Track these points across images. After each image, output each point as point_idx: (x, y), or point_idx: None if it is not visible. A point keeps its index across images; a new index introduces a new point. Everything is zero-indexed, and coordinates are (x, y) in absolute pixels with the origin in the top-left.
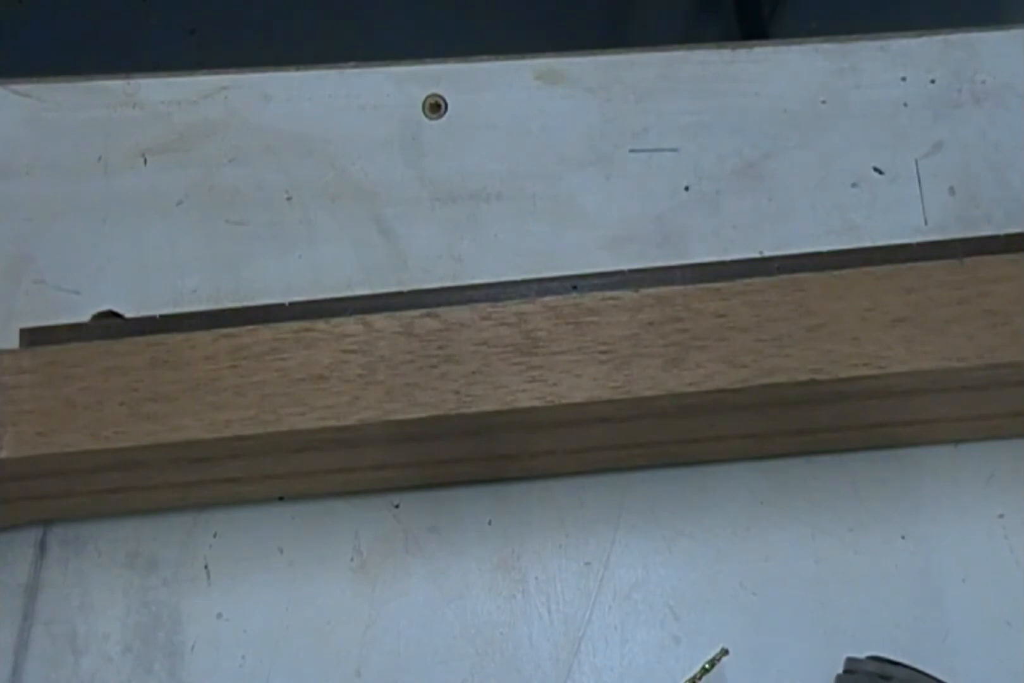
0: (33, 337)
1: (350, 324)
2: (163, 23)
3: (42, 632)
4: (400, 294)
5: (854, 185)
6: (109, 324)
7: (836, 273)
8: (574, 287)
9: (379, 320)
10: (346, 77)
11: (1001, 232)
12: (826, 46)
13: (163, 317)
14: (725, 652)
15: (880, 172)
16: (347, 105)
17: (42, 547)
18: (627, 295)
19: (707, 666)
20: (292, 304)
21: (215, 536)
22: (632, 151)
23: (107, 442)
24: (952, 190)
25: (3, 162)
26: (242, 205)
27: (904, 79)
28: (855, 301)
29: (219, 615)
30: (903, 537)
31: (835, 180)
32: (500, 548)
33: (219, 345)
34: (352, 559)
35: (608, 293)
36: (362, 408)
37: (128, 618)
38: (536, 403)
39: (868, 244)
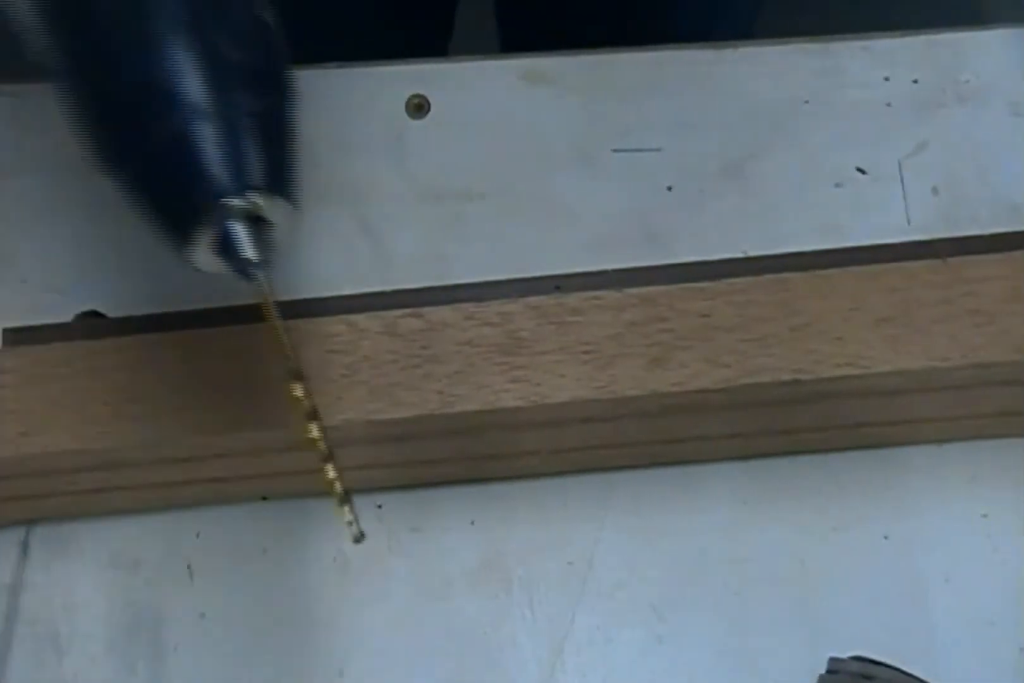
0: (16, 337)
1: (333, 324)
2: None
3: (25, 632)
4: (383, 294)
5: (837, 185)
6: (92, 324)
7: (820, 273)
8: (557, 287)
9: (362, 320)
10: (329, 77)
11: (985, 232)
12: (809, 46)
13: (146, 317)
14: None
15: (863, 172)
16: (330, 105)
17: (25, 547)
18: (611, 295)
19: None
20: (275, 303)
21: (198, 536)
22: (615, 151)
23: (90, 442)
24: (935, 190)
25: None
26: None
27: (887, 79)
28: (839, 301)
29: (202, 615)
30: (886, 537)
31: (818, 180)
32: (483, 548)
33: (202, 345)
34: (335, 559)
35: (591, 293)
36: (345, 408)
37: (111, 618)
38: (519, 403)
39: (852, 244)
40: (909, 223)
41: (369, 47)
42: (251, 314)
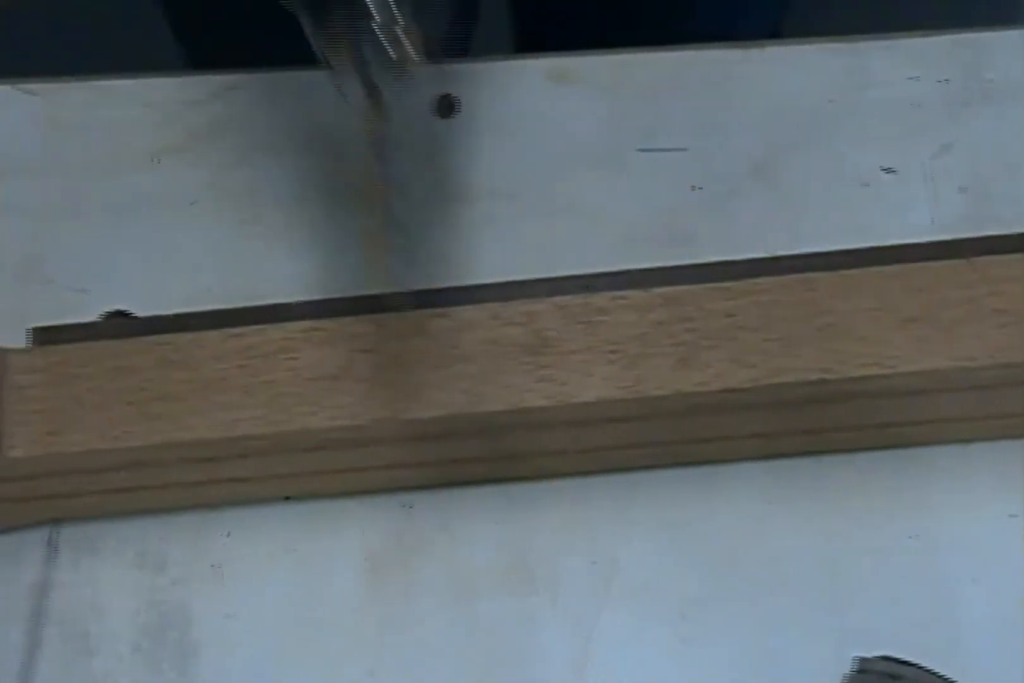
0: (43, 336)
1: (361, 323)
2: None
3: (53, 632)
4: (411, 293)
5: (864, 185)
6: (118, 324)
7: (846, 273)
8: (584, 286)
9: (389, 319)
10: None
11: (1011, 232)
12: (836, 45)
13: (172, 317)
14: None
15: (890, 171)
16: (359, 104)
17: (52, 547)
18: (636, 295)
19: None
20: (302, 303)
21: (226, 536)
22: (641, 150)
23: (116, 442)
24: (962, 189)
25: (13, 161)
26: (254, 205)
27: (914, 78)
28: (864, 301)
29: (229, 615)
30: (913, 537)
31: (845, 179)
32: (510, 548)
33: (228, 345)
34: (363, 558)
35: (617, 292)
36: (372, 407)
37: (138, 618)
38: (545, 402)
39: (878, 244)
40: (935, 223)
41: None
42: (276, 314)
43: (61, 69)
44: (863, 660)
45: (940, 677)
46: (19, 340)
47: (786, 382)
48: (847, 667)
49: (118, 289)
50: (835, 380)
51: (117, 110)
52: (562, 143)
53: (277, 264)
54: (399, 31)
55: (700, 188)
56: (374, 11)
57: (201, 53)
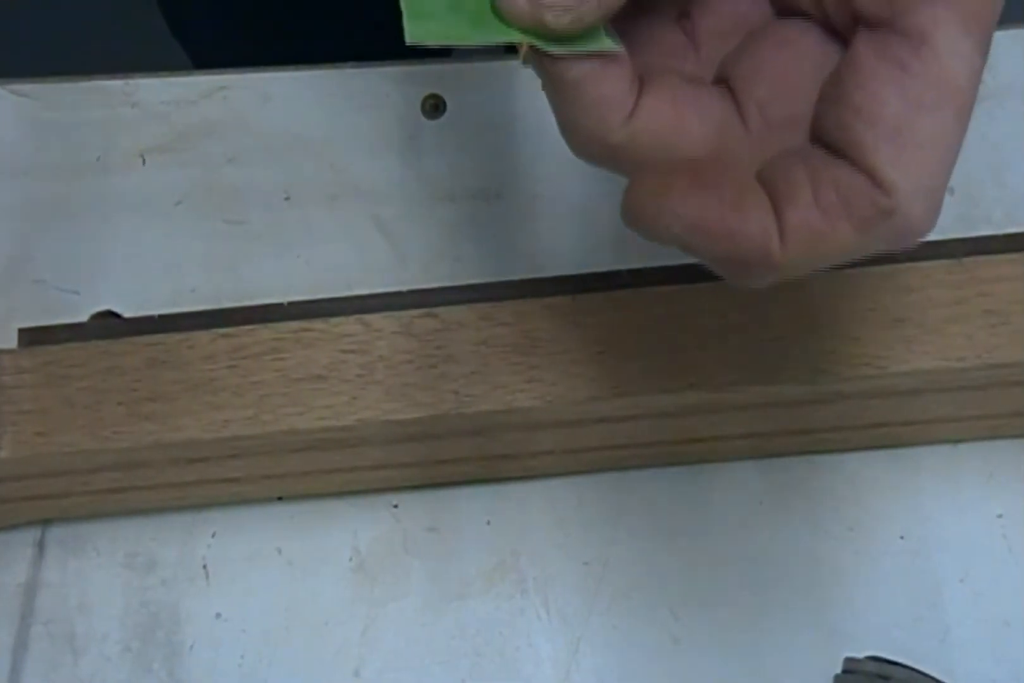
0: (32, 337)
1: (349, 324)
2: (162, 22)
3: (41, 632)
4: (399, 294)
5: None
6: (108, 324)
7: (836, 273)
8: (573, 287)
9: (378, 320)
10: (345, 77)
11: (1000, 232)
12: None
13: (162, 317)
14: None
15: None
16: (346, 105)
17: (41, 547)
18: (626, 295)
19: None
20: (291, 304)
21: (214, 536)
22: None
23: (106, 442)
24: (951, 190)
25: (1, 162)
26: (241, 205)
27: None
28: (855, 301)
29: (218, 615)
30: (902, 537)
31: None
32: (499, 548)
33: (218, 345)
34: (351, 559)
35: (607, 293)
36: (361, 408)
37: (127, 618)
38: (535, 403)
39: None
40: None
41: (380, 44)
42: (264, 315)
43: (48, 69)
44: (852, 660)
45: (929, 677)
46: (8, 341)
47: (777, 382)
48: (837, 667)
49: (107, 289)
50: (826, 380)
51: (105, 110)
52: (551, 144)
53: (263, 264)
54: None
55: None
56: None
57: (200, 51)
